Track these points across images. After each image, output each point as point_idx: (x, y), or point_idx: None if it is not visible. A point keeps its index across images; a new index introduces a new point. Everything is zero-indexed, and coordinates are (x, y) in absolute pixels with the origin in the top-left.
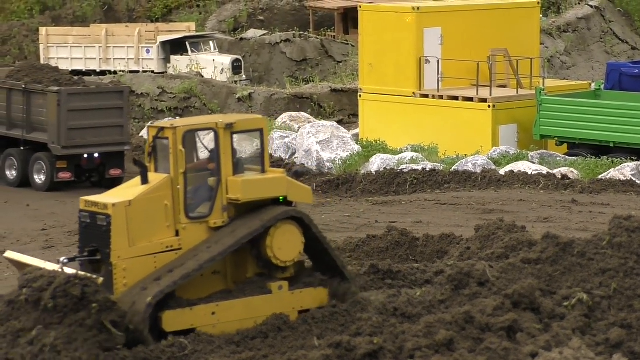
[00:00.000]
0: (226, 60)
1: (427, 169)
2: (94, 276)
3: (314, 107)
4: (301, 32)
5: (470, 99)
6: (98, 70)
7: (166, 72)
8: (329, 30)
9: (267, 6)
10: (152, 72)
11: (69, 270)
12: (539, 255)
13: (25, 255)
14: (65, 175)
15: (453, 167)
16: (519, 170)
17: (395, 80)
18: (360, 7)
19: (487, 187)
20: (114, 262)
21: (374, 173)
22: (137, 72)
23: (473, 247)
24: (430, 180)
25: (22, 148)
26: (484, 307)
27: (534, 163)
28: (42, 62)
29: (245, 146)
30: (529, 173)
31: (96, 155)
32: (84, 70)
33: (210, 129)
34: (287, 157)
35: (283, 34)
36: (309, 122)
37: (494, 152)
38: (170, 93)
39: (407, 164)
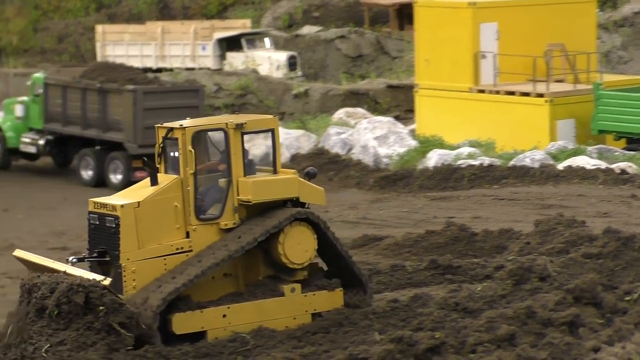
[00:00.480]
0: (282, 56)
1: (485, 164)
2: (100, 277)
3: (370, 103)
4: (356, 28)
5: (527, 94)
6: (154, 68)
7: (222, 69)
8: (383, 26)
9: (321, 2)
10: (208, 69)
11: (76, 271)
12: (600, 250)
13: (35, 254)
14: (141, 175)
15: (511, 162)
16: (577, 165)
17: (452, 75)
18: (415, 2)
19: (545, 182)
20: (123, 264)
21: (431, 168)
22: (193, 69)
23: (533, 242)
24: (487, 176)
25: (97, 148)
26: (545, 302)
27: (592, 158)
28: (98, 59)
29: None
30: (587, 168)
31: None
32: (140, 67)
33: (220, 129)
34: (344, 153)
35: (338, 30)
36: (365, 118)
37: (552, 147)
38: (227, 90)
39: (464, 159)
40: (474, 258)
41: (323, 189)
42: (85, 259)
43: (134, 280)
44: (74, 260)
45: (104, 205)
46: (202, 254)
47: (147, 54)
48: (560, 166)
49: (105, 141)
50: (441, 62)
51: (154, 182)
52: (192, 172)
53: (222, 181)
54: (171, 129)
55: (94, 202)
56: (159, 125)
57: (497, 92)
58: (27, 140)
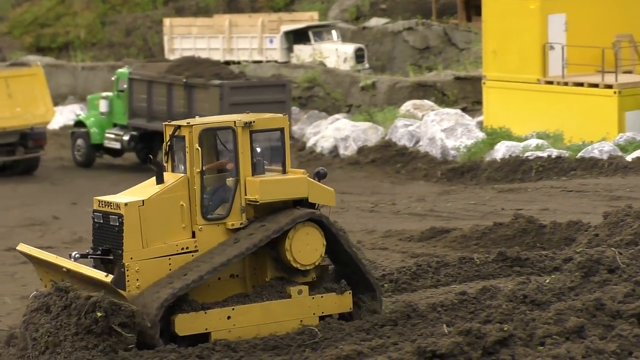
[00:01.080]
0: (349, 49)
1: (553, 156)
2: (103, 274)
3: (437, 95)
4: (423, 20)
5: (596, 85)
6: (222, 61)
7: (289, 62)
8: (451, 18)
9: None
10: (276, 61)
11: (79, 267)
12: None
13: (38, 249)
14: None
15: (579, 154)
16: None
17: (519, 67)
18: None
19: (613, 174)
20: (126, 263)
21: (499, 160)
22: (261, 62)
23: (601, 234)
24: (555, 167)
25: None
26: (614, 294)
27: None
28: (165, 52)
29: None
30: None
31: (258, 149)
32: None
33: (228, 128)
34: (411, 145)
35: (405, 22)
36: (432, 110)
37: (620, 138)
38: (294, 82)
39: (532, 151)
40: (542, 250)
41: (333, 190)
42: (89, 256)
43: (137, 280)
44: (77, 256)
45: (108, 204)
46: (205, 255)
47: (215, 47)
48: (629, 157)
49: None
50: (509, 53)
51: (160, 180)
52: (198, 170)
53: (229, 180)
54: (178, 127)
55: (99, 201)
56: (166, 123)
57: (565, 84)
58: (112, 136)
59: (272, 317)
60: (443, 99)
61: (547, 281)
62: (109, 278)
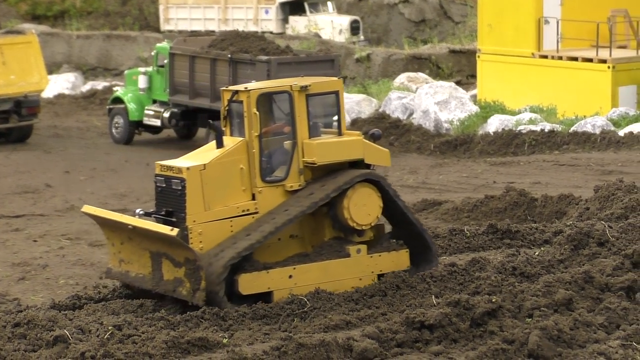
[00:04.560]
0: (344, 20)
1: (546, 130)
2: (168, 228)
3: (432, 67)
4: None
5: (590, 60)
6: (217, 32)
7: (284, 33)
8: None
9: None
10: (271, 32)
11: (144, 223)
12: None
13: (103, 209)
14: None
15: (572, 128)
16: (639, 132)
17: (514, 40)
18: None
19: (606, 148)
20: (189, 225)
21: (492, 134)
22: (256, 32)
23: (592, 208)
24: (548, 141)
25: None
26: (603, 267)
27: None
28: (161, 23)
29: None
30: None
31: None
32: (203, 30)
33: (284, 92)
34: (404, 118)
35: None
36: (426, 83)
37: (614, 113)
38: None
39: (525, 124)
40: (533, 223)
41: (388, 150)
42: (153, 215)
43: (200, 242)
44: (141, 212)
45: (170, 168)
46: (265, 217)
47: (210, 17)
48: (621, 132)
49: None
50: (504, 27)
51: (220, 144)
52: (257, 134)
53: (287, 143)
54: (236, 92)
55: (161, 165)
56: (224, 88)
57: (560, 58)
58: (151, 112)
59: (332, 275)
60: (438, 72)
61: (537, 254)
62: (174, 232)
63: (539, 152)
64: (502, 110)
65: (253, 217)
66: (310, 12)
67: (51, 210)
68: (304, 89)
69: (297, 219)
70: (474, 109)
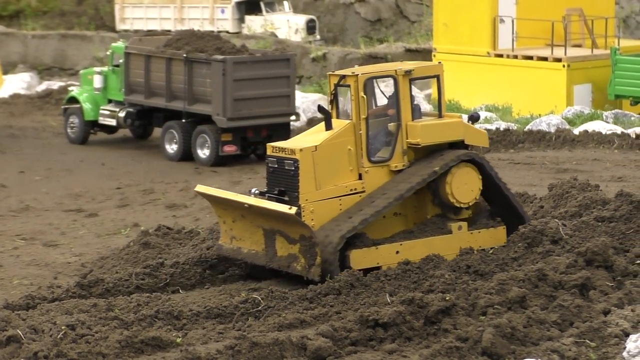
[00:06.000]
0: (300, 20)
1: (501, 129)
2: (286, 207)
3: None
4: None
5: (545, 59)
6: (173, 31)
7: (240, 32)
8: None
9: None
10: (227, 32)
11: (260, 202)
12: (613, 214)
13: (216, 188)
14: (230, 149)
15: (527, 127)
16: (593, 130)
17: (470, 39)
18: None
19: (561, 147)
20: (302, 204)
21: None
22: (212, 32)
23: (546, 206)
24: (504, 140)
25: (183, 121)
26: (557, 264)
27: (608, 123)
28: (116, 22)
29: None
30: (603, 133)
31: (263, 127)
32: (159, 30)
33: (389, 76)
34: None
35: None
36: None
37: (568, 111)
38: None
39: (480, 123)
40: None
41: (486, 132)
42: (266, 194)
43: (312, 220)
44: (256, 192)
45: (283, 149)
46: (375, 194)
47: (166, 16)
48: (576, 131)
49: (192, 114)
50: (459, 26)
51: (329, 126)
52: (364, 117)
53: (391, 125)
54: (343, 76)
55: (272, 147)
56: (330, 73)
57: (515, 57)
58: (106, 112)
59: (435, 251)
60: None
61: (491, 252)
62: (293, 210)
63: (495, 150)
64: (457, 109)
65: (360, 196)
66: (267, 11)
67: (5, 210)
68: (408, 73)
69: (405, 197)
70: (429, 108)
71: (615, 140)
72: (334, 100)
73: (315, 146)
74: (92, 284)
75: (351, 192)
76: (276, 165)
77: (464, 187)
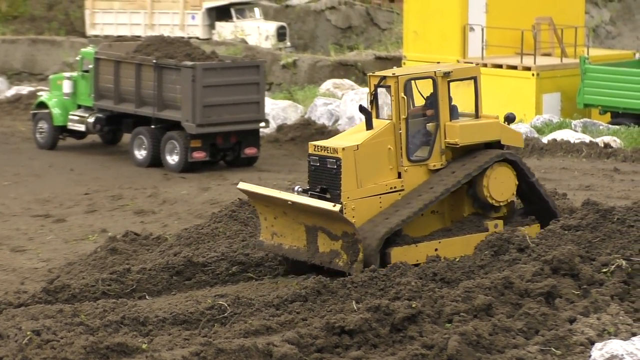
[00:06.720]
0: (271, 27)
1: None
2: (330, 204)
3: (358, 74)
4: (346, 0)
5: (514, 67)
6: (143, 37)
7: (211, 39)
8: None
9: None
10: (197, 38)
11: (303, 199)
12: (579, 222)
13: (258, 186)
14: (199, 155)
15: None
16: (562, 139)
17: (440, 47)
18: None
19: (529, 155)
20: (344, 202)
21: None
22: (182, 38)
23: None
24: None
25: (152, 127)
26: (523, 272)
27: (576, 131)
28: (87, 28)
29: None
30: (572, 141)
31: (232, 133)
32: (129, 35)
33: (429, 78)
34: (330, 124)
35: (328, 1)
36: (352, 89)
37: (537, 120)
38: None
39: None
40: None
41: (521, 132)
42: (309, 192)
43: (353, 217)
44: (299, 189)
45: (325, 148)
46: (414, 193)
47: (137, 22)
48: (545, 139)
49: (161, 120)
50: (429, 34)
51: (370, 126)
52: (404, 117)
53: (430, 125)
54: (384, 77)
55: (314, 145)
56: (371, 74)
57: (485, 65)
58: (76, 118)
59: (472, 248)
60: (364, 78)
61: (457, 259)
62: (337, 207)
63: None
64: None
65: (399, 194)
66: (237, 18)
67: None
68: (446, 75)
69: (443, 196)
70: None
71: (583, 149)
72: (374, 101)
73: (357, 145)
74: (59, 289)
75: (391, 190)
76: (318, 164)
77: (501, 185)
